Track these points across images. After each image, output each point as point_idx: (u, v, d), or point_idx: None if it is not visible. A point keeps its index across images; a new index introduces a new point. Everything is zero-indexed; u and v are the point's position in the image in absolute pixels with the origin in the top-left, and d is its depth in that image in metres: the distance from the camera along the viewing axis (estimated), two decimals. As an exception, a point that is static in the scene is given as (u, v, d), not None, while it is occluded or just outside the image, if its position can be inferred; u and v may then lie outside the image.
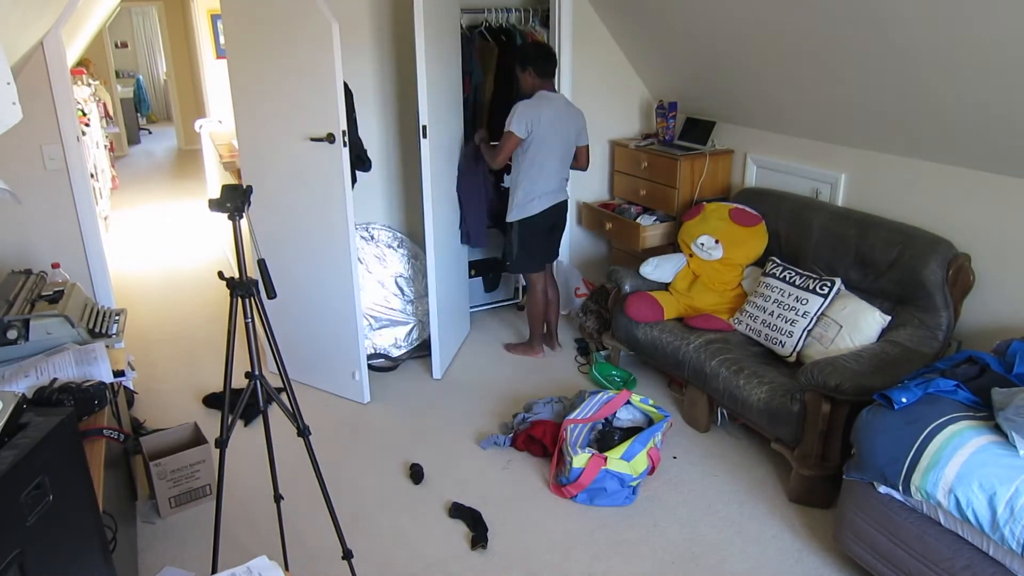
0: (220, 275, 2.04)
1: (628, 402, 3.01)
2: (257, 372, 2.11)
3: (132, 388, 3.51)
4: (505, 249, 3.76)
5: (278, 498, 2.29)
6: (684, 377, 3.18)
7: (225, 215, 1.95)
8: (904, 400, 2.16)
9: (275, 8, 2.98)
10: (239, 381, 2.04)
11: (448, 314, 3.76)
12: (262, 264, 2.04)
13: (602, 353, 3.78)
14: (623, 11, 3.81)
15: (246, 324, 2.06)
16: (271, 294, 2.02)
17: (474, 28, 4.01)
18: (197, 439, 2.84)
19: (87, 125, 5.96)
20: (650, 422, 2.98)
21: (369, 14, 3.76)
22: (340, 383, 3.51)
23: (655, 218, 3.95)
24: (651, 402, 3.03)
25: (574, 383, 3.64)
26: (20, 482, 1.14)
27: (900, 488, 2.08)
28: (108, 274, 3.41)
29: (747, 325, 3.17)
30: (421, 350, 3.86)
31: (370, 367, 3.62)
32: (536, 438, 3.00)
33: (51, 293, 2.46)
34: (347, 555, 2.17)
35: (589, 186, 4.36)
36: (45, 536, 1.19)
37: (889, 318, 2.82)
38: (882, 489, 2.17)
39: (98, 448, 1.81)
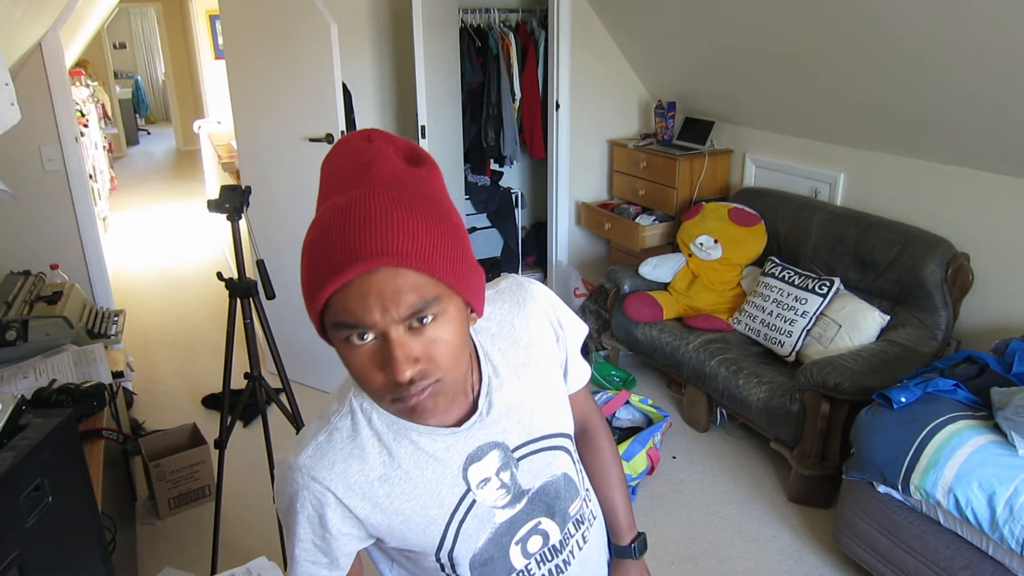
0: (219, 276, 2.04)
1: (627, 402, 3.01)
2: (256, 373, 2.11)
3: (131, 389, 3.51)
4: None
5: (277, 499, 2.29)
6: (683, 377, 3.18)
7: (224, 216, 1.96)
8: (903, 400, 2.16)
9: (274, 9, 2.98)
10: (238, 382, 2.04)
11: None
12: (261, 265, 2.04)
13: (601, 353, 3.78)
14: (622, 11, 3.80)
15: (245, 325, 2.06)
16: (270, 295, 2.02)
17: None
18: (196, 440, 2.84)
19: (85, 126, 5.96)
20: (649, 422, 2.98)
21: (368, 15, 3.76)
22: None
23: (654, 218, 3.95)
24: (650, 402, 3.03)
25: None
26: (19, 484, 1.14)
27: (899, 488, 2.08)
28: (107, 275, 3.41)
29: (746, 325, 3.17)
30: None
31: (369, 367, 3.61)
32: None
33: (50, 294, 2.46)
34: (347, 556, 2.17)
35: (588, 186, 4.36)
36: (44, 538, 1.18)
37: (888, 318, 2.82)
38: (881, 489, 2.17)
39: (97, 449, 1.81)
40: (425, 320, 0.73)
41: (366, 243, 0.69)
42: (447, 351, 0.76)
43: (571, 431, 1.03)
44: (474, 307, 0.81)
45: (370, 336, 0.73)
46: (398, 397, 0.77)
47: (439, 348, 0.75)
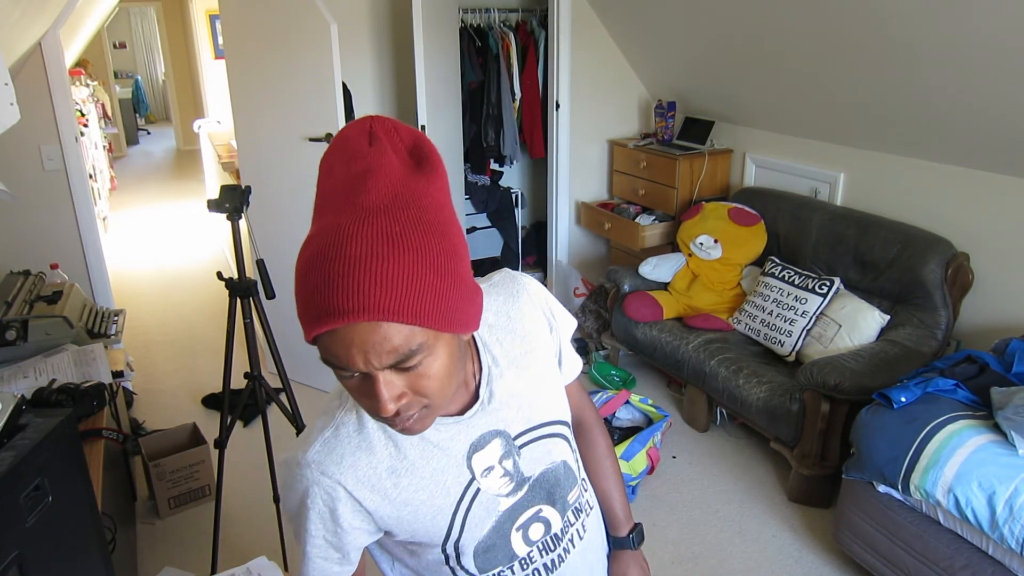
0: (219, 275, 2.04)
1: (627, 402, 3.01)
2: (256, 373, 2.11)
3: (131, 389, 3.51)
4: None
5: (277, 498, 2.29)
6: (683, 377, 3.18)
7: (224, 215, 1.96)
8: (903, 399, 2.16)
9: (274, 9, 2.98)
10: (238, 382, 2.04)
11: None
12: (261, 264, 2.05)
13: (601, 353, 3.78)
14: (622, 11, 3.80)
15: (245, 325, 2.06)
16: (270, 294, 2.02)
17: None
18: (196, 440, 2.84)
19: (85, 126, 5.96)
20: (649, 422, 2.98)
21: (368, 14, 3.77)
22: (339, 383, 3.50)
23: (654, 218, 3.95)
24: (650, 402, 3.04)
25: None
26: (19, 483, 1.14)
27: (899, 487, 2.08)
28: (107, 275, 3.41)
29: (746, 324, 3.17)
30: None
31: (369, 367, 3.61)
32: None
33: (50, 294, 2.46)
34: (347, 556, 2.17)
35: (588, 186, 4.36)
36: (44, 537, 1.18)
37: (888, 317, 2.82)
38: (881, 488, 2.17)
39: (97, 449, 1.81)
40: (411, 363, 0.72)
41: (344, 298, 0.67)
42: (435, 384, 0.75)
43: (568, 419, 1.04)
44: (469, 330, 0.79)
45: (357, 373, 0.73)
46: (387, 421, 0.78)
47: (426, 382, 0.75)
